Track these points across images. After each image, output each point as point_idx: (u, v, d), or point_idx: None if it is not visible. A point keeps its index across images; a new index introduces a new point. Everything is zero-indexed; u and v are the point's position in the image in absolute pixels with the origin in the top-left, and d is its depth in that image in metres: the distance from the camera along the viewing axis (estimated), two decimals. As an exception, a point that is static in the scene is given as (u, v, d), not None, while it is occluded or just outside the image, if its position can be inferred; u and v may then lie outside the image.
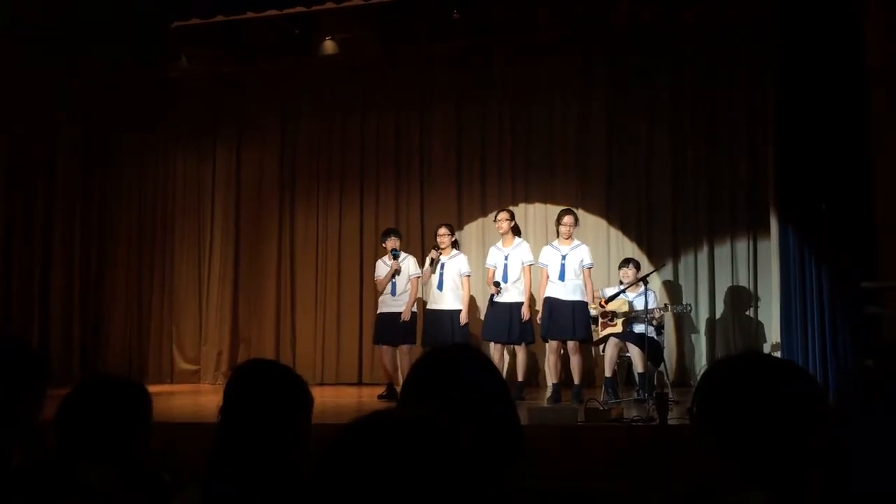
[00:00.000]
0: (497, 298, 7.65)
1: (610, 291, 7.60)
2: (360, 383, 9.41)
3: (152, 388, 2.35)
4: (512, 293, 7.60)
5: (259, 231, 10.07)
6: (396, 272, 7.88)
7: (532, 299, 7.74)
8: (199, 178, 10.28)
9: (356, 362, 9.57)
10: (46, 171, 9.65)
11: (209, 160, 10.25)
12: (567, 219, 7.62)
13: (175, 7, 8.27)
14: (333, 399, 7.99)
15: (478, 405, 1.55)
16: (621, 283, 7.74)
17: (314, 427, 2.03)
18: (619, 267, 7.91)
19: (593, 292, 7.59)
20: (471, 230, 9.37)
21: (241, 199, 10.14)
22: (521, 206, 9.17)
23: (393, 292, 7.96)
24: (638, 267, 7.85)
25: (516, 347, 7.70)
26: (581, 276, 7.48)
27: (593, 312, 7.53)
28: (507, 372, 8.17)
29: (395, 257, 7.89)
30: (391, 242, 8.03)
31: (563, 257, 7.50)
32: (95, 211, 10.18)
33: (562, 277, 7.45)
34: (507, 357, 8.07)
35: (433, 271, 7.82)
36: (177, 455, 2.56)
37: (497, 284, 7.59)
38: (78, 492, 1.89)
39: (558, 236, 7.68)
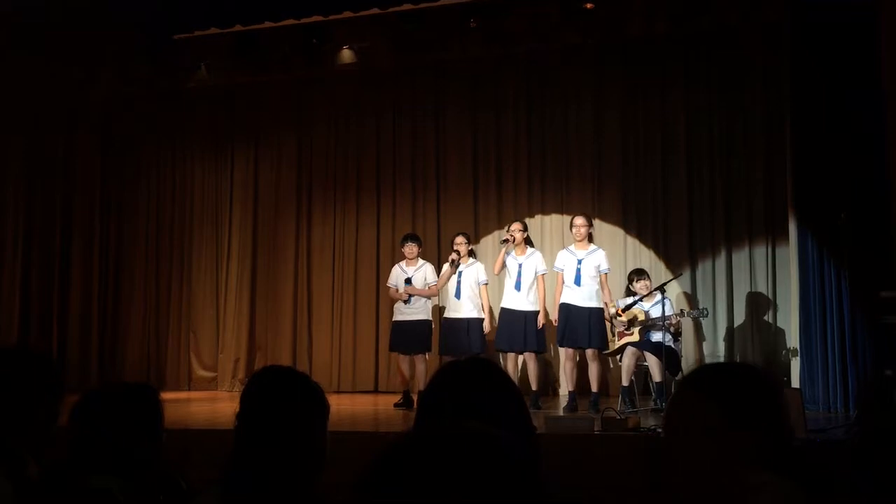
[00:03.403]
0: (507, 305, 7.61)
1: (626, 302, 7.57)
2: (376, 391, 9.41)
3: (170, 396, 2.36)
4: (525, 302, 7.58)
5: (276, 239, 10.10)
6: (408, 299, 7.96)
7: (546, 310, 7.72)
8: (216, 187, 10.34)
9: (372, 370, 9.57)
10: (64, 181, 9.74)
11: (226, 169, 10.31)
12: (578, 220, 7.60)
13: (193, 17, 8.33)
14: (349, 407, 7.99)
15: (493, 419, 1.56)
16: (634, 293, 7.69)
17: (330, 434, 2.04)
18: (633, 281, 7.84)
19: (610, 297, 7.57)
20: (487, 243, 9.33)
21: (257, 207, 10.19)
22: (538, 217, 9.15)
23: (408, 300, 7.99)
24: (649, 278, 7.82)
25: (526, 356, 7.66)
26: (598, 281, 7.46)
27: (612, 310, 7.50)
28: (521, 381, 8.15)
29: (407, 303, 7.99)
30: (409, 248, 8.07)
31: (580, 261, 7.46)
32: (113, 220, 10.27)
33: (578, 282, 7.41)
34: (519, 366, 8.06)
35: (453, 272, 7.82)
36: (193, 462, 2.56)
37: (505, 242, 7.59)
38: (92, 499, 1.90)
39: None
